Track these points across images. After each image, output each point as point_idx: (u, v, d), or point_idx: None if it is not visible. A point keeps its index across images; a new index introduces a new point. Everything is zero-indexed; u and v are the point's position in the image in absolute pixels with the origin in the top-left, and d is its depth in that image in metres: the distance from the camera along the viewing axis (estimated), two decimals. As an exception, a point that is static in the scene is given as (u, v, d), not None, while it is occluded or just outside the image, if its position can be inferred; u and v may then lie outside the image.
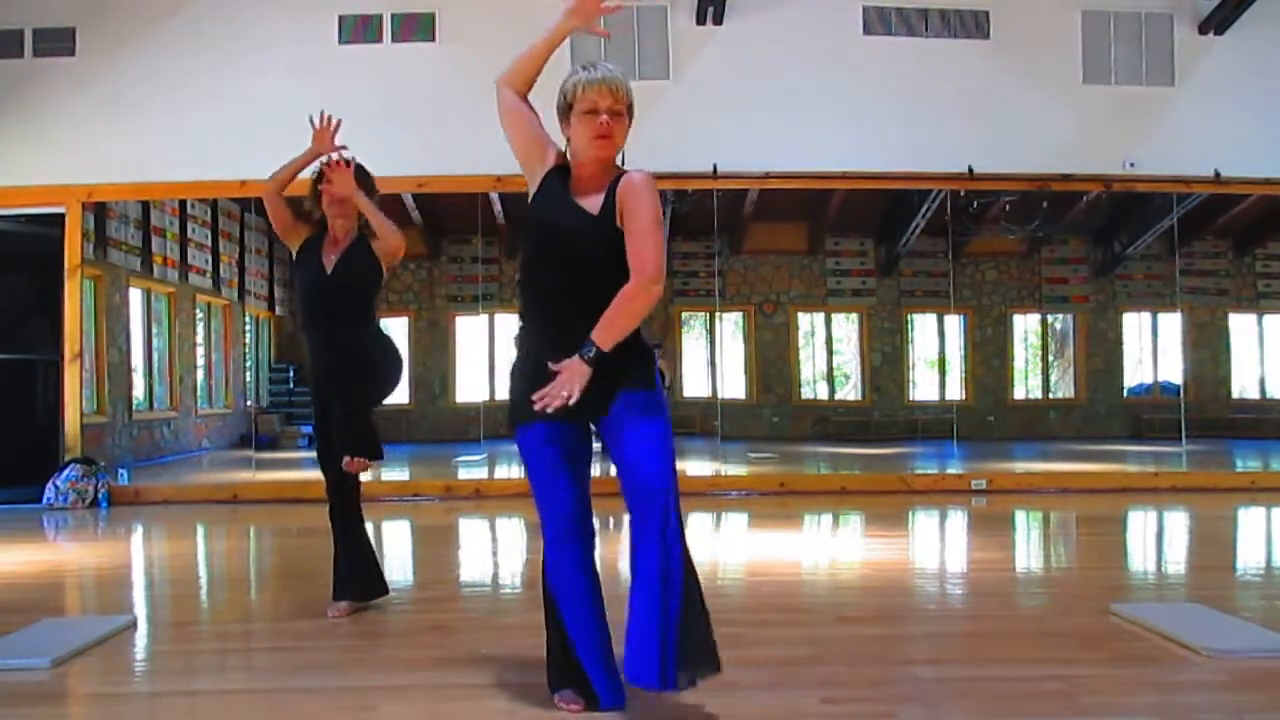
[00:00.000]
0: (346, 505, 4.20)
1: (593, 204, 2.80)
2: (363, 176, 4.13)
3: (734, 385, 13.52)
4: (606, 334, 2.69)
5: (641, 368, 2.83)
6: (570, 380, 2.66)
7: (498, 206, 10.40)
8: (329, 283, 4.07)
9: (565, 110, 2.82)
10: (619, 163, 2.88)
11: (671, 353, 12.77)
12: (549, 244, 2.83)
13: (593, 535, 2.85)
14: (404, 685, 3.19)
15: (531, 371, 2.82)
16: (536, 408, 2.68)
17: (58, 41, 8.60)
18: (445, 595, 4.72)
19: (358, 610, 4.14)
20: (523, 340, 2.93)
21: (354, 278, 4.09)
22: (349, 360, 4.07)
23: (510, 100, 2.92)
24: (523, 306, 2.93)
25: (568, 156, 2.89)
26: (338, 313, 4.06)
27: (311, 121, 4.12)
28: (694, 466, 9.42)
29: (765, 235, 12.92)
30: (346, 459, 4.02)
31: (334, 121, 4.10)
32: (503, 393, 13.41)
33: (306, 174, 4.22)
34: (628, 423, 2.77)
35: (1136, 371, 13.94)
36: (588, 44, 8.71)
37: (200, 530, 7.04)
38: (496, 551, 6.43)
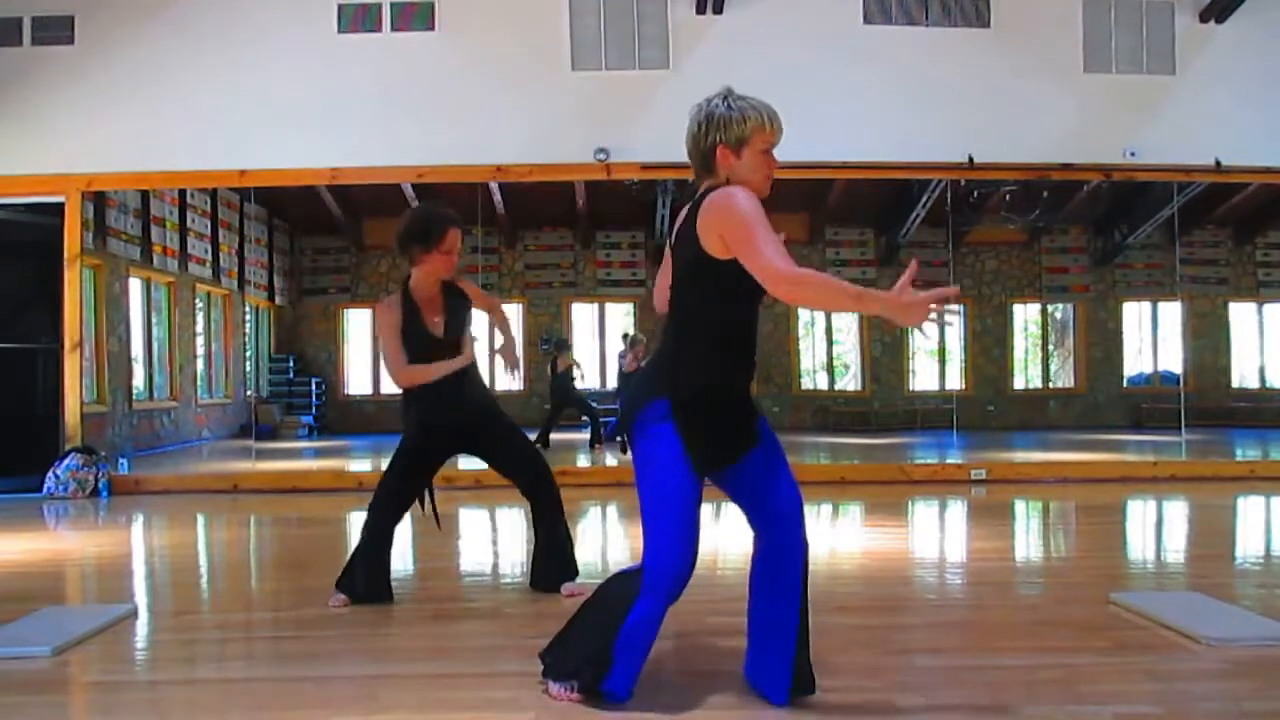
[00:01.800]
0: (390, 517, 4.25)
1: None
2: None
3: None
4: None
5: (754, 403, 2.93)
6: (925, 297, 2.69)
7: (497, 196, 10.39)
8: (443, 344, 4.25)
9: (738, 143, 2.75)
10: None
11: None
12: (752, 286, 2.71)
13: None
14: (404, 674, 3.19)
15: (728, 418, 2.82)
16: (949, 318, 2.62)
17: (56, 30, 8.58)
18: (445, 585, 4.73)
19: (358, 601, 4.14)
20: (705, 386, 2.78)
21: (459, 327, 4.34)
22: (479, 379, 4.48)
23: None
24: (713, 350, 2.79)
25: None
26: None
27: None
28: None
29: (765, 225, 12.92)
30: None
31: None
32: (503, 383, 13.37)
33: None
34: (756, 451, 2.89)
35: (1136, 361, 13.95)
36: (587, 35, 8.71)
37: (200, 520, 7.05)
38: (496, 542, 6.44)
